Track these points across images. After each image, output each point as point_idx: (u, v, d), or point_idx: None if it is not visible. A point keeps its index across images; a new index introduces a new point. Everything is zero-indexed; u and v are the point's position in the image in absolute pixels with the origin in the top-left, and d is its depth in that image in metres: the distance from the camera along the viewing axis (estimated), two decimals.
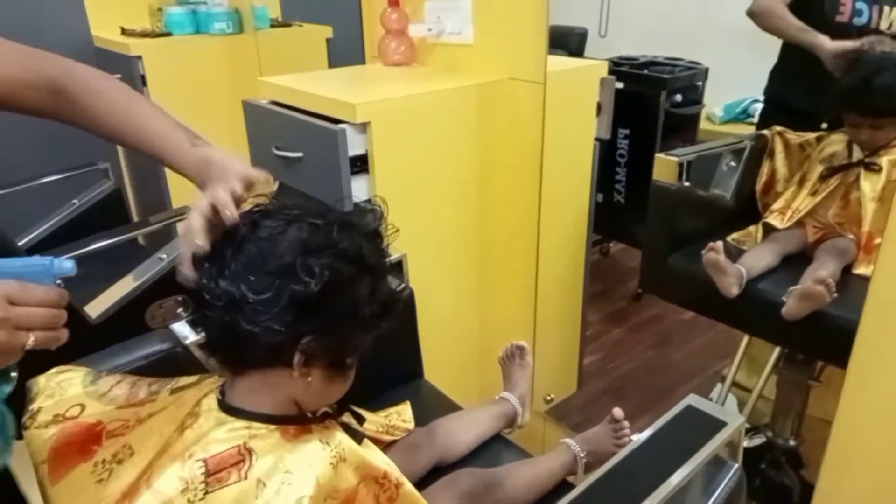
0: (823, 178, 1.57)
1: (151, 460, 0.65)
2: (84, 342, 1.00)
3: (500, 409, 1.13)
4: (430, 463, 1.00)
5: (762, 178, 1.72)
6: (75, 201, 2.07)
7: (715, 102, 2.69)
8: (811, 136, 1.66)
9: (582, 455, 1.03)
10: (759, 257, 1.51)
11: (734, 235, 1.66)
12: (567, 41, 2.60)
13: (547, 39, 1.41)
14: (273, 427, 0.66)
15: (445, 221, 1.55)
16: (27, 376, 0.81)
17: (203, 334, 0.70)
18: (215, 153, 0.77)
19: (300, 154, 1.43)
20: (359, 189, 1.37)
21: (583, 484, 0.67)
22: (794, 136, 1.69)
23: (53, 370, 0.82)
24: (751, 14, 1.60)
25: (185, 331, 1.05)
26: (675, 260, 1.64)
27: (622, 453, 0.69)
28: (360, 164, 1.37)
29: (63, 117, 0.84)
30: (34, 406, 0.76)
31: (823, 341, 1.37)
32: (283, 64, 2.38)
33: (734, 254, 1.54)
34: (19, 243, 1.77)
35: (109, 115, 0.84)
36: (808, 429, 1.71)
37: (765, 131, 1.76)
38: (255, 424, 0.66)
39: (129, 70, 2.29)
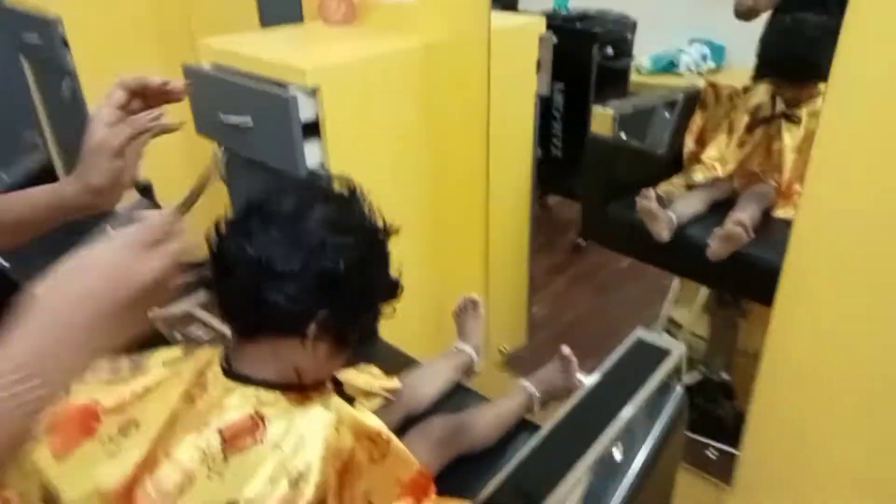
0: (749, 129, 1.68)
1: (161, 432, 0.67)
2: None
3: (457, 360, 1.20)
4: (401, 417, 1.06)
5: (694, 127, 1.82)
6: (3, 176, 1.98)
7: (642, 53, 2.79)
8: (738, 86, 1.77)
9: (537, 395, 1.12)
10: (688, 204, 1.62)
11: (662, 187, 1.76)
12: None
13: None
14: (279, 393, 0.70)
15: (397, 182, 1.59)
16: None
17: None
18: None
19: (248, 118, 1.42)
20: (311, 154, 1.38)
21: (550, 422, 0.75)
22: (725, 87, 1.79)
23: None
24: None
25: None
26: (613, 209, 1.73)
27: (580, 392, 0.77)
28: (311, 130, 1.37)
29: None
30: None
31: (746, 279, 1.50)
32: (213, 21, 2.30)
33: (665, 203, 1.65)
34: None
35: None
36: (737, 363, 1.87)
37: (698, 83, 1.85)
38: (263, 391, 0.69)
39: (48, 32, 2.16)
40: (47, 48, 2.20)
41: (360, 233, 0.70)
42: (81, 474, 0.65)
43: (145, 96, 0.77)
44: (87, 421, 0.70)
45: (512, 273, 1.93)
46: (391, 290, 0.76)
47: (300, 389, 0.72)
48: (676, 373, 0.82)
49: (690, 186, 1.74)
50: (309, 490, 0.63)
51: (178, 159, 1.87)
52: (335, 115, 1.36)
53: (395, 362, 1.17)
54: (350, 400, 0.77)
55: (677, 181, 1.80)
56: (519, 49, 1.68)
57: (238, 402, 0.67)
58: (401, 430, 1.02)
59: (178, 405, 0.69)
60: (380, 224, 0.75)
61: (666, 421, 0.81)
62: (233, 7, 2.32)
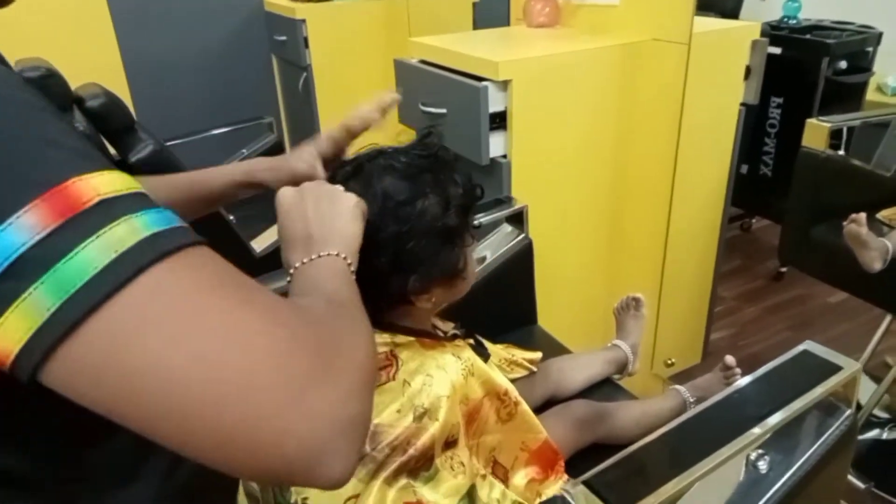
0: None
1: None
2: (249, 272, 1.15)
3: (611, 355, 1.18)
4: (544, 397, 1.08)
5: None
6: (244, 151, 2.33)
7: (889, 72, 2.47)
8: None
9: (691, 400, 1.06)
10: None
11: (885, 212, 1.56)
12: (721, 3, 2.49)
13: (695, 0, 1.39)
14: (413, 338, 0.76)
15: (577, 179, 1.59)
16: None
17: None
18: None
19: (444, 110, 1.53)
20: (496, 144, 1.45)
21: (690, 412, 0.72)
22: None
23: None
24: None
25: None
26: (817, 231, 1.57)
27: (731, 388, 0.73)
28: (499, 121, 1.44)
29: None
30: None
31: None
32: (431, 26, 2.49)
33: (884, 232, 1.46)
34: None
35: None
36: None
37: None
38: (399, 336, 0.76)
39: (293, 32, 2.51)
40: (291, 46, 2.56)
41: (396, 217, 0.70)
42: None
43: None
44: None
45: (693, 288, 1.83)
46: (465, 205, 0.75)
47: (435, 337, 0.77)
48: (847, 395, 0.74)
49: None
50: (434, 426, 0.68)
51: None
52: (523, 108, 1.42)
53: (550, 349, 1.19)
54: (485, 357, 0.81)
55: None
56: (725, 54, 1.59)
57: (377, 343, 0.75)
58: (543, 409, 1.04)
59: None
60: (410, 167, 0.73)
61: (828, 444, 0.73)
62: (450, 13, 2.49)
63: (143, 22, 2.59)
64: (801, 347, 0.76)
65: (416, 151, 0.75)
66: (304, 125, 2.72)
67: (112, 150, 1.73)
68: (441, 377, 0.72)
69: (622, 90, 1.54)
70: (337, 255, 0.55)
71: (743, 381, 0.74)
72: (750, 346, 2.16)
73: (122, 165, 1.68)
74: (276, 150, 2.36)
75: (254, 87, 2.91)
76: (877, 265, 1.36)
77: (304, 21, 2.47)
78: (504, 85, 1.40)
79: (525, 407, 0.83)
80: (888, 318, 1.61)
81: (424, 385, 0.71)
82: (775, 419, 0.67)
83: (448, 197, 0.73)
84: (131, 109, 2.27)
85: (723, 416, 0.70)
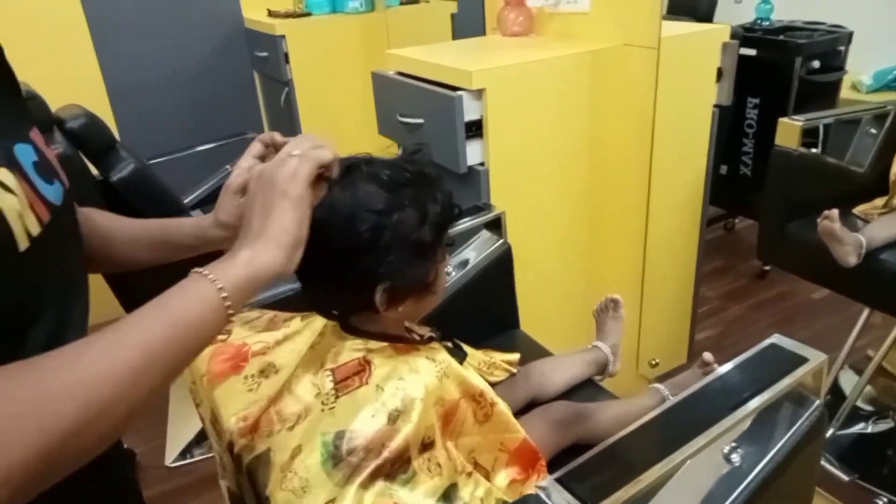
0: None
1: (290, 374, 0.79)
2: None
3: (592, 356, 1.19)
4: (525, 399, 1.09)
5: None
6: (227, 167, 2.33)
7: (863, 70, 2.52)
8: None
9: (671, 398, 1.07)
10: (884, 227, 1.44)
11: (860, 207, 1.59)
12: (695, 7, 2.53)
13: (662, 5, 1.42)
14: (386, 343, 0.77)
15: (555, 184, 1.61)
16: None
17: None
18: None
19: (421, 120, 1.54)
20: (473, 152, 1.47)
21: (664, 405, 0.73)
22: None
23: None
24: None
25: None
26: (793, 229, 1.60)
27: (703, 381, 0.74)
28: (476, 129, 1.46)
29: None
30: None
31: None
32: (410, 38, 2.52)
33: (860, 227, 1.48)
34: (184, 201, 2.03)
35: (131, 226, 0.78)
36: None
37: None
38: (371, 342, 0.77)
39: (274, 48, 2.53)
40: (272, 62, 2.57)
41: (371, 222, 0.70)
42: (226, 402, 0.78)
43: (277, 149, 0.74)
44: (238, 361, 0.84)
45: (675, 289, 1.85)
46: (441, 222, 0.75)
47: (408, 342, 0.78)
48: (815, 386, 0.76)
49: (892, 210, 1.55)
50: (407, 428, 0.68)
51: None
52: (498, 116, 1.44)
53: (532, 353, 1.20)
54: (461, 359, 0.82)
55: (879, 202, 1.61)
56: (695, 57, 1.62)
57: (350, 349, 0.76)
58: (525, 411, 1.05)
59: (305, 351, 0.80)
60: (390, 179, 0.73)
61: (798, 435, 0.75)
62: (428, 24, 2.52)
63: (124, 42, 2.60)
64: (768, 341, 0.78)
65: (403, 166, 0.76)
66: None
67: (94, 171, 1.74)
68: (414, 380, 0.73)
69: (595, 95, 1.56)
70: (213, 280, 0.51)
71: (711, 376, 0.75)
72: (735, 344, 2.18)
73: (104, 185, 1.69)
74: None
75: (236, 104, 2.93)
76: (852, 260, 1.38)
77: (283, 37, 2.49)
78: (479, 94, 1.42)
79: (502, 407, 0.84)
80: (866, 311, 1.63)
81: (398, 389, 0.71)
82: (744, 410, 0.69)
83: (425, 212, 0.74)
84: (114, 129, 2.27)
85: (692, 410, 0.71)
